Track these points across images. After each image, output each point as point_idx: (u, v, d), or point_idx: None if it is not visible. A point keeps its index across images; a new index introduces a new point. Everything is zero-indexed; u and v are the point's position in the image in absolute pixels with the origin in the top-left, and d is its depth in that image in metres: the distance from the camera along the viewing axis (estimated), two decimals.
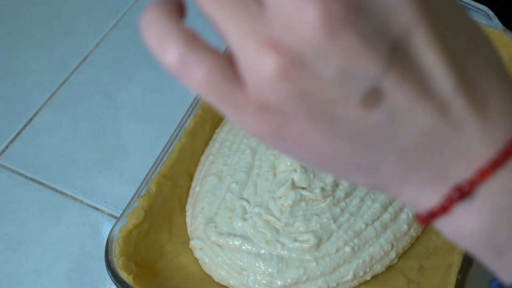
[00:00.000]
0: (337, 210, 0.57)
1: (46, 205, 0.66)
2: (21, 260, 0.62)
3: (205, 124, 0.64)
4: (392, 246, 0.56)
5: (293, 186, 0.58)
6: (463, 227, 0.25)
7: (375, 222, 0.57)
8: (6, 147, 0.71)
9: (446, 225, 0.26)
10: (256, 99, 0.23)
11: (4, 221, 0.65)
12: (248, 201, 0.59)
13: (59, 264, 0.62)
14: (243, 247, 0.56)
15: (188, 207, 0.61)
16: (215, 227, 0.57)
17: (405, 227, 0.57)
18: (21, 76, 0.78)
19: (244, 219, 0.58)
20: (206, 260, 0.57)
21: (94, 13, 0.84)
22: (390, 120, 0.23)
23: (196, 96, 0.64)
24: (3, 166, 0.69)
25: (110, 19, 0.83)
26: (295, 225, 0.56)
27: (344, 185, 0.58)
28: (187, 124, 0.61)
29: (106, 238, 0.53)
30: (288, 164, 0.59)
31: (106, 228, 0.64)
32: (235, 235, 0.57)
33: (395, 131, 0.24)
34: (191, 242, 0.58)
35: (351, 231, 0.56)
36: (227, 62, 0.25)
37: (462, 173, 0.24)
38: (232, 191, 0.59)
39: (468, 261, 0.51)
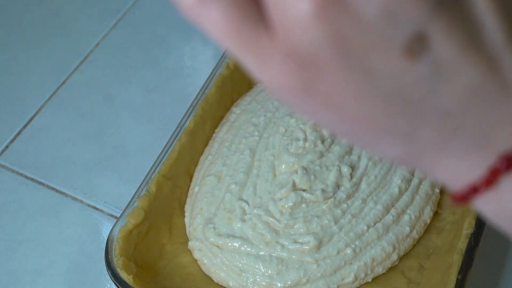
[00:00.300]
0: (338, 211, 0.57)
1: (46, 205, 0.66)
2: (21, 260, 0.62)
3: (205, 124, 0.64)
4: (394, 248, 0.56)
5: (294, 187, 0.58)
6: (509, 204, 0.22)
7: (377, 223, 0.56)
8: (6, 147, 0.71)
9: (489, 203, 0.23)
10: (285, 45, 0.20)
11: (4, 221, 0.65)
12: (247, 202, 0.58)
13: (59, 264, 0.62)
14: (242, 248, 0.56)
15: (187, 208, 0.61)
16: (214, 228, 0.57)
17: (407, 229, 0.57)
18: (21, 76, 0.78)
19: (243, 220, 0.57)
20: (205, 261, 0.57)
21: (94, 13, 0.85)
22: (434, 74, 0.20)
23: (196, 96, 0.64)
24: (3, 166, 0.69)
25: (110, 19, 0.83)
26: (295, 226, 0.56)
27: (345, 186, 0.58)
28: (187, 124, 0.61)
29: (106, 238, 0.53)
30: (290, 165, 0.59)
31: (106, 228, 0.64)
32: (234, 236, 0.56)
33: (438, 88, 0.21)
34: (190, 243, 0.58)
35: (353, 233, 0.56)
36: (251, 2, 0.21)
37: (510, 140, 0.21)
38: (231, 192, 0.59)
39: (468, 261, 0.51)
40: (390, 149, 0.23)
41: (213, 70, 0.66)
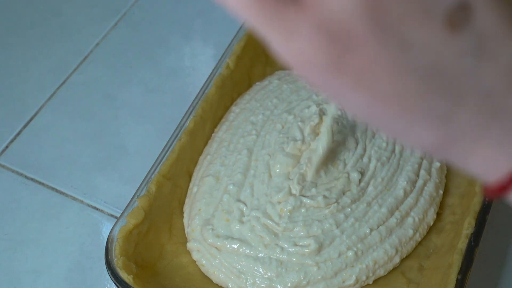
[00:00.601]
0: (341, 216, 0.56)
1: (46, 205, 0.66)
2: (21, 260, 0.62)
3: (205, 124, 0.64)
4: (397, 251, 0.56)
5: (290, 193, 0.57)
6: None
7: (380, 226, 0.56)
8: (6, 147, 0.71)
9: None
10: (314, 16, 0.19)
11: (4, 221, 0.65)
12: (245, 204, 0.58)
13: (59, 264, 0.62)
14: (241, 250, 0.56)
15: (186, 208, 0.61)
16: (212, 229, 0.57)
17: (410, 231, 0.57)
18: (21, 76, 0.78)
19: (242, 222, 0.57)
20: (204, 262, 0.57)
21: (94, 13, 0.84)
22: (476, 48, 0.18)
23: (196, 96, 0.64)
24: (3, 166, 0.69)
25: (110, 19, 0.83)
26: (295, 230, 0.56)
27: (352, 191, 0.57)
28: (187, 124, 0.61)
29: (106, 238, 0.53)
30: (285, 165, 0.58)
31: (106, 228, 0.64)
32: (232, 238, 0.56)
33: (480, 64, 0.19)
34: (188, 244, 0.58)
35: (355, 236, 0.55)
36: None
37: None
38: (229, 193, 0.59)
39: (468, 261, 0.50)
40: (424, 134, 0.21)
41: (213, 70, 0.66)
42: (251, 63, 0.70)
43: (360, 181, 0.58)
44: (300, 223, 0.56)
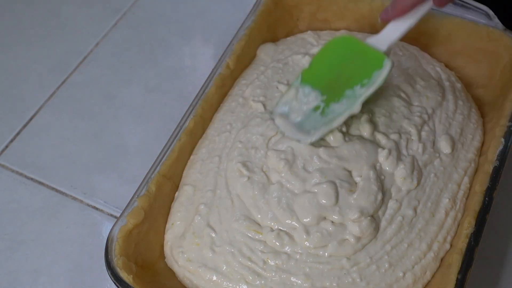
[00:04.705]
0: (373, 267, 0.51)
1: (46, 205, 0.66)
2: (21, 260, 0.62)
3: (205, 124, 0.64)
4: None
5: (279, 243, 0.52)
6: None
7: (415, 266, 0.51)
8: (6, 147, 0.71)
9: None
10: None
11: (4, 221, 0.65)
12: (214, 230, 0.54)
13: (59, 264, 0.62)
14: (219, 281, 0.52)
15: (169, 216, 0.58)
16: (182, 252, 0.54)
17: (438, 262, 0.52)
18: (21, 76, 0.78)
19: (213, 251, 0.53)
20: (180, 280, 0.53)
21: (94, 13, 0.85)
22: None
23: (196, 96, 0.64)
24: (3, 166, 0.69)
25: (110, 19, 0.83)
26: (292, 279, 0.51)
27: (398, 234, 0.52)
28: (187, 124, 0.61)
29: (106, 238, 0.53)
30: (248, 192, 0.53)
31: (106, 228, 0.64)
32: (206, 266, 0.52)
33: None
34: (166, 259, 0.56)
35: (384, 284, 0.50)
36: None
37: None
38: (200, 214, 0.55)
39: (468, 261, 0.50)
40: None
41: (212, 70, 0.66)
42: (251, 63, 0.70)
43: (412, 219, 0.52)
44: (301, 276, 0.50)
